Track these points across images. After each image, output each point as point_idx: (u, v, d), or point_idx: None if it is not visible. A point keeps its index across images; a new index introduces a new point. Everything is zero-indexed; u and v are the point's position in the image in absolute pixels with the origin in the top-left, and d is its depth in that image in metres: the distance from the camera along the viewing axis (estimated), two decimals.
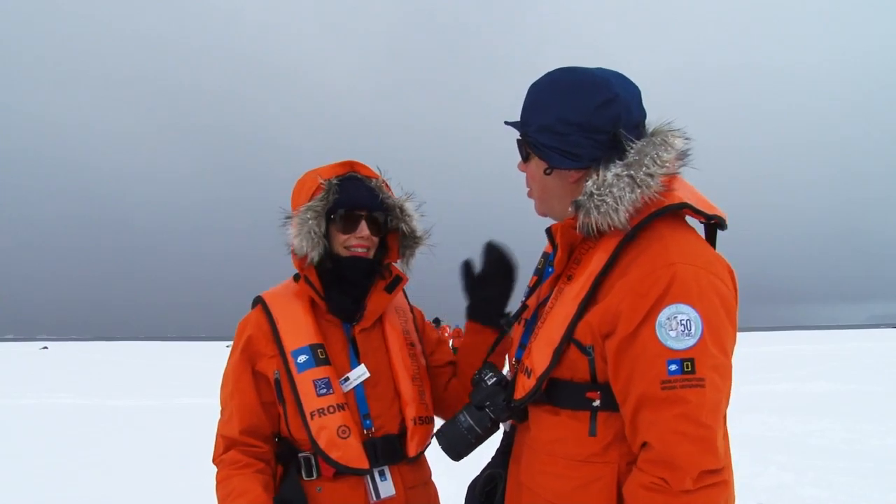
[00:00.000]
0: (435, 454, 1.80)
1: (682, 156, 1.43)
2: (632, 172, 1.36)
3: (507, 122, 1.56)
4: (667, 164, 1.38)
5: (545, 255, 1.66)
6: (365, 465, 1.73)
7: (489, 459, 1.66)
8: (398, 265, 1.96)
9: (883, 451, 7.08)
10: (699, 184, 1.48)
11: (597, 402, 1.38)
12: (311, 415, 1.72)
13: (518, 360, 1.57)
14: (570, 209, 1.43)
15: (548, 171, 1.48)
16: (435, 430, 1.66)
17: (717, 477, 1.26)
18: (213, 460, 1.82)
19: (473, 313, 1.90)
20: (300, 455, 1.78)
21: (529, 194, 1.57)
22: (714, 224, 1.44)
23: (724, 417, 1.37)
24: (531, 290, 1.64)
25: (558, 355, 1.40)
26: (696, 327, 1.27)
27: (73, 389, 15.81)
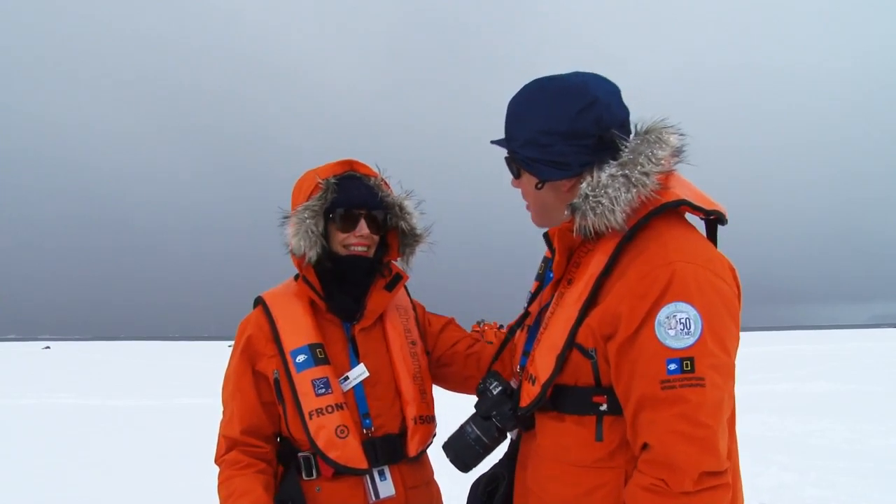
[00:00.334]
0: (438, 454, 1.81)
1: (678, 153, 1.41)
2: (626, 172, 1.35)
3: (493, 141, 1.55)
4: (662, 162, 1.37)
5: (545, 259, 1.64)
6: (363, 464, 1.72)
7: (495, 462, 1.65)
8: (398, 263, 1.95)
9: (884, 451, 7.07)
10: (699, 182, 1.47)
11: (604, 407, 1.36)
12: (310, 414, 1.72)
13: (522, 368, 1.55)
14: (566, 213, 1.42)
15: (539, 186, 1.48)
16: (442, 443, 1.64)
17: (718, 479, 1.24)
18: (215, 460, 1.82)
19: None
20: (300, 455, 1.77)
21: (527, 208, 1.56)
22: (714, 220, 1.43)
23: (733, 419, 1.36)
24: (533, 296, 1.63)
25: (562, 361, 1.38)
26: (696, 326, 1.25)
27: (73, 389, 15.82)
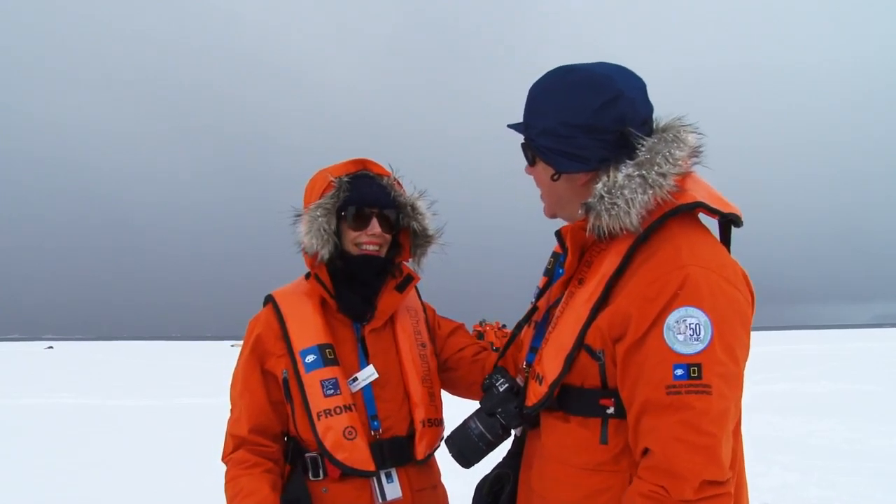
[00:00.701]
0: (445, 456, 1.80)
1: (696, 153, 1.38)
2: (643, 172, 1.32)
3: (509, 125, 1.51)
4: (680, 163, 1.34)
5: (555, 254, 1.62)
6: (371, 466, 1.72)
7: (499, 461, 1.63)
8: (410, 264, 1.93)
9: (887, 451, 7.05)
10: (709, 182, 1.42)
11: (611, 410, 1.34)
12: (318, 415, 1.71)
13: (529, 364, 1.53)
14: (580, 212, 1.38)
15: (555, 177, 1.44)
16: (445, 437, 1.63)
17: (719, 489, 1.22)
18: (222, 459, 1.81)
19: None
20: (307, 455, 1.77)
21: (541, 197, 1.53)
22: (729, 221, 1.39)
23: (739, 427, 1.34)
24: (541, 292, 1.60)
25: (570, 362, 1.36)
26: (706, 332, 1.22)
27: (75, 389, 15.82)
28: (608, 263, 1.36)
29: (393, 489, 1.75)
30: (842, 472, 6.04)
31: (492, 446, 1.58)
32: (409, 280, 1.90)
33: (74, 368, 24.97)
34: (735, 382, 1.26)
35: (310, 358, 1.75)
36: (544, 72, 1.49)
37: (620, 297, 1.31)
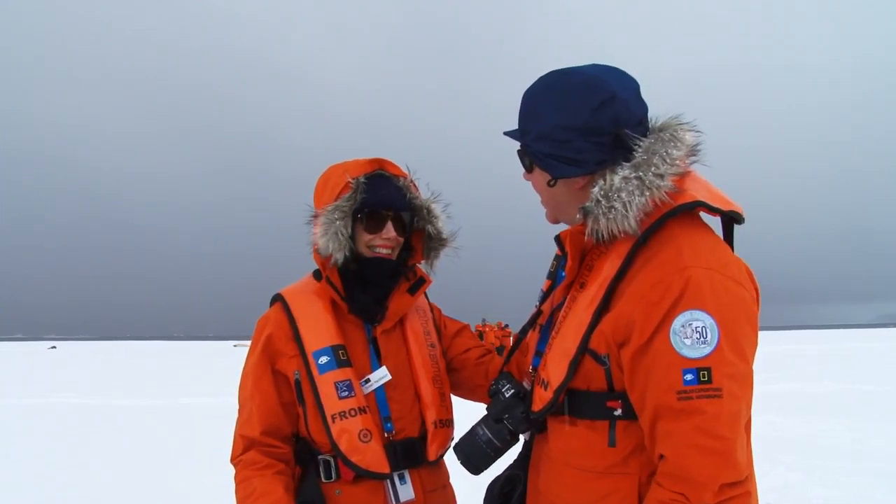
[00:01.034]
0: (453, 457, 1.79)
1: (694, 151, 1.37)
2: (640, 174, 1.31)
3: (505, 133, 1.51)
4: (677, 162, 1.33)
5: (557, 257, 1.61)
6: (386, 469, 1.71)
7: (510, 462, 1.63)
8: (422, 266, 1.92)
9: (889, 451, 7.04)
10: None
11: (618, 412, 1.34)
12: (332, 418, 1.70)
13: (534, 369, 1.53)
14: (577, 216, 1.38)
15: (552, 183, 1.44)
16: (453, 444, 1.63)
17: (738, 489, 1.23)
18: (231, 460, 1.79)
19: None
20: (320, 457, 1.75)
21: (541, 202, 1.53)
22: (731, 219, 1.38)
23: (748, 424, 1.33)
24: (546, 295, 1.59)
25: (574, 367, 1.36)
26: (713, 334, 1.22)
27: (75, 389, 15.84)
28: (609, 267, 1.35)
29: (406, 490, 1.75)
30: (844, 472, 6.03)
31: (500, 452, 1.57)
32: (421, 282, 1.88)
33: (76, 368, 25.02)
34: (745, 381, 1.26)
35: (323, 359, 1.73)
36: (544, 72, 1.48)
37: (623, 300, 1.31)
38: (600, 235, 1.35)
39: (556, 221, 1.53)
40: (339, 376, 1.72)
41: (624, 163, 1.33)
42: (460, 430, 1.85)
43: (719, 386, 1.21)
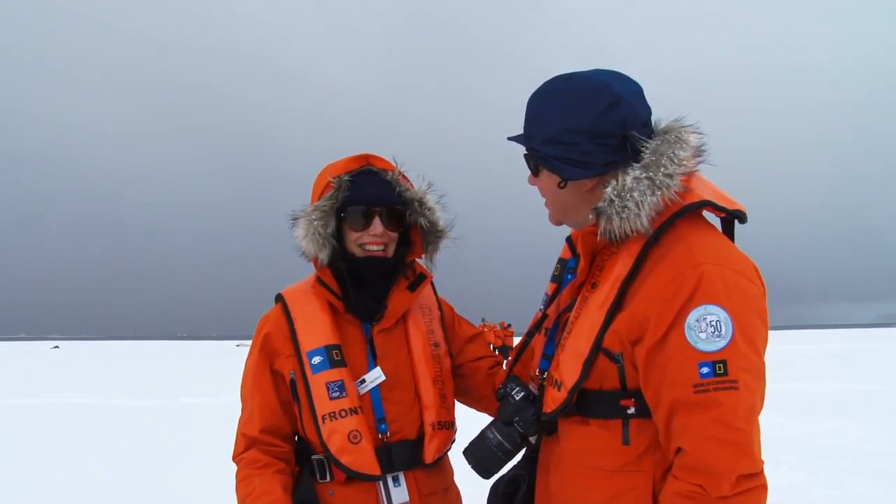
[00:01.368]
0: (459, 458, 1.77)
1: (699, 152, 1.40)
2: (650, 174, 1.34)
3: (510, 138, 1.52)
4: (684, 163, 1.36)
5: (561, 260, 1.62)
6: (376, 471, 1.69)
7: (514, 464, 1.63)
8: (422, 261, 1.88)
9: (892, 451, 7.02)
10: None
11: (631, 410, 1.36)
12: (323, 418, 1.69)
13: (541, 372, 1.54)
14: (590, 216, 1.40)
15: (562, 185, 1.45)
16: (462, 449, 1.61)
17: (754, 481, 1.24)
18: (233, 458, 1.80)
19: None
20: (313, 458, 1.75)
21: (546, 205, 1.54)
22: (734, 218, 1.41)
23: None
24: (551, 299, 1.60)
25: (588, 366, 1.37)
26: (727, 328, 1.25)
27: (79, 389, 15.88)
28: (620, 266, 1.38)
29: (400, 493, 1.73)
30: (846, 473, 6.02)
31: (510, 455, 1.56)
32: (421, 279, 1.85)
33: (78, 368, 25.06)
34: (759, 374, 1.28)
35: (316, 359, 1.73)
36: (544, 72, 1.53)
37: (637, 299, 1.33)
38: (612, 235, 1.37)
39: (559, 224, 1.55)
40: (331, 377, 1.71)
41: (633, 164, 1.36)
42: (463, 431, 1.84)
43: (735, 378, 1.24)
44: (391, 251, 1.80)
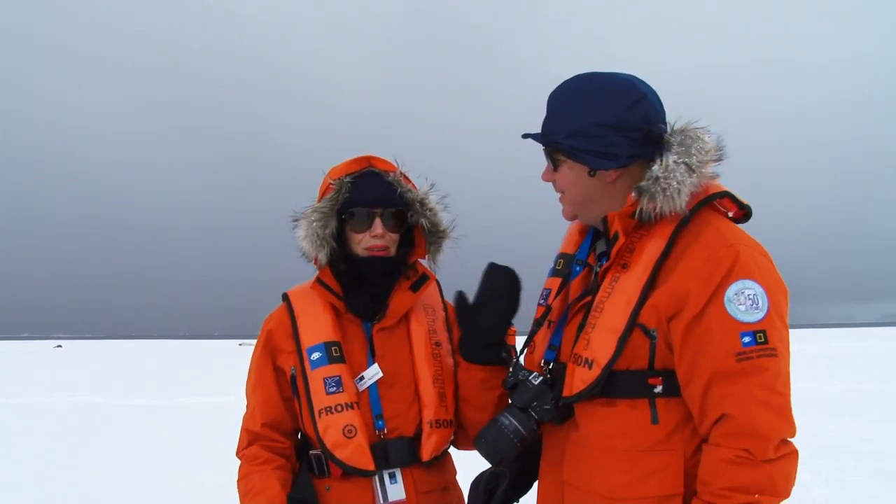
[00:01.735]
0: (462, 457, 1.78)
1: (718, 148, 1.48)
2: (686, 160, 1.42)
3: (525, 135, 1.57)
4: (710, 153, 1.45)
5: (563, 255, 1.65)
6: (370, 466, 1.70)
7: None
8: (425, 262, 1.89)
9: (895, 451, 7.00)
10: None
11: (658, 389, 1.40)
12: (319, 412, 1.72)
13: (547, 362, 1.56)
14: (632, 195, 1.45)
15: (592, 174, 1.50)
16: (474, 436, 1.59)
17: (790, 447, 1.33)
18: (237, 454, 1.84)
19: (462, 348, 1.77)
20: (311, 453, 1.78)
21: (562, 199, 1.58)
22: (745, 213, 1.51)
23: None
24: (556, 293, 1.61)
25: (623, 342, 1.40)
26: (763, 301, 1.34)
27: (81, 388, 15.89)
28: (653, 247, 1.44)
29: (396, 490, 1.74)
30: (848, 472, 6.01)
31: (525, 441, 1.54)
32: (424, 279, 1.86)
33: (80, 367, 25.07)
34: (788, 346, 1.38)
35: (315, 355, 1.76)
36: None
37: (674, 275, 1.39)
38: (649, 215, 1.43)
39: (573, 218, 1.60)
40: (329, 372, 1.74)
41: (666, 152, 1.44)
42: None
43: (775, 346, 1.33)
44: (393, 251, 1.82)
